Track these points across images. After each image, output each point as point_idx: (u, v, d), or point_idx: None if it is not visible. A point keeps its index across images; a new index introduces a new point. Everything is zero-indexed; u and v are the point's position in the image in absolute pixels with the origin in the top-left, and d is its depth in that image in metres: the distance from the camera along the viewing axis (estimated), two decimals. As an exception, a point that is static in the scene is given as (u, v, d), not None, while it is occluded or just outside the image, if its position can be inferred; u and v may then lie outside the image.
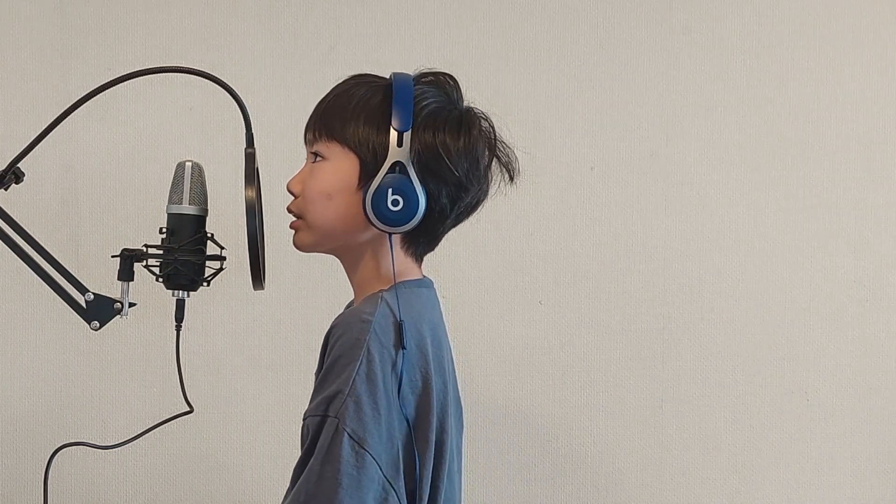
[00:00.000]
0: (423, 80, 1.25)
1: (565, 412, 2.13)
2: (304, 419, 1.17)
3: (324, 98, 1.26)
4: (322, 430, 1.12)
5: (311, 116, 1.26)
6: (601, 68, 2.13)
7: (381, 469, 1.12)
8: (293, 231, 1.28)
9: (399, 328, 1.15)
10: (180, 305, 1.33)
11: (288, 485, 1.18)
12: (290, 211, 1.27)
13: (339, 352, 1.13)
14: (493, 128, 1.28)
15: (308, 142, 1.26)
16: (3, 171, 1.30)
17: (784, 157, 2.14)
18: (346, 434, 1.10)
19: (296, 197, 1.26)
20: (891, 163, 2.15)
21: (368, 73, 1.28)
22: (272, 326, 2.10)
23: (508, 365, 2.12)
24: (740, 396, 2.14)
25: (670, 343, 2.14)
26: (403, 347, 1.14)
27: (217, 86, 1.26)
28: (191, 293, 1.32)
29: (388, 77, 1.25)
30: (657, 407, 2.14)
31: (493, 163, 1.28)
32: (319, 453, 1.11)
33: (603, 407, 2.14)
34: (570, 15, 2.12)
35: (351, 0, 2.11)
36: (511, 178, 1.29)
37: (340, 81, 1.27)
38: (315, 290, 2.08)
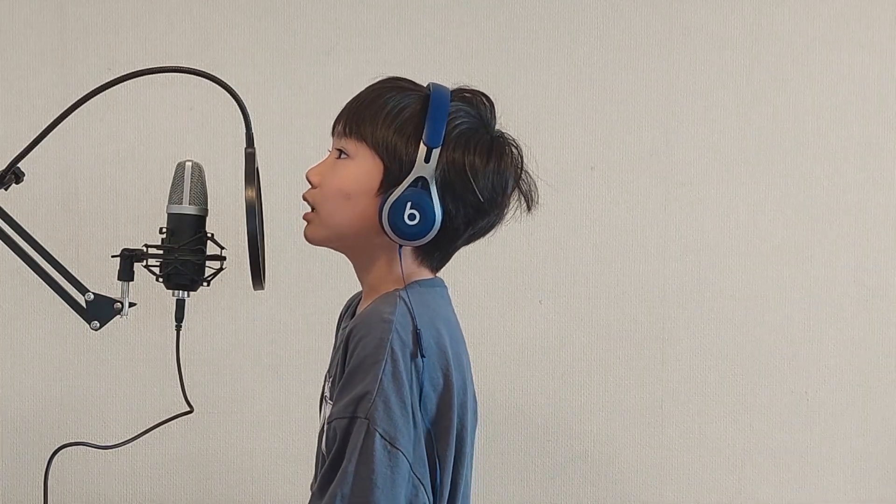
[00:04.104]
0: (459, 96, 1.24)
1: (565, 412, 2.13)
2: (328, 422, 1.16)
3: (359, 95, 1.24)
4: (352, 431, 1.11)
5: (343, 111, 1.25)
6: (601, 68, 2.13)
7: (411, 466, 1.13)
8: (305, 222, 1.27)
9: (417, 336, 1.15)
10: (180, 305, 1.33)
11: (314, 487, 1.17)
12: (305, 199, 1.26)
13: (363, 353, 1.13)
14: (521, 156, 1.26)
15: (336, 134, 1.25)
16: (3, 171, 1.30)
17: (784, 157, 2.14)
18: (377, 434, 1.10)
19: (313, 187, 1.25)
20: (891, 163, 2.15)
21: (405, 77, 1.26)
22: (272, 326, 2.10)
23: (508, 364, 2.12)
24: (740, 396, 2.14)
25: (670, 343, 2.14)
26: (422, 356, 1.15)
27: (217, 86, 1.25)
28: (191, 293, 1.32)
29: (425, 85, 1.24)
30: (657, 407, 2.14)
31: (514, 192, 1.26)
32: (352, 455, 1.11)
33: (603, 407, 2.14)
34: (570, 15, 2.12)
35: (351, 0, 2.11)
36: (529, 208, 1.29)
37: (377, 80, 1.26)
38: (315, 290, 2.08)
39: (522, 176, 1.27)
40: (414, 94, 1.22)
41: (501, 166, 1.22)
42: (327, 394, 1.25)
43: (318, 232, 1.25)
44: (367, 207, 1.20)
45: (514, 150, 1.26)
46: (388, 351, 1.12)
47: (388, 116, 1.19)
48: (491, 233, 1.28)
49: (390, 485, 1.10)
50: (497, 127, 1.26)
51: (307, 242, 1.27)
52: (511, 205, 1.27)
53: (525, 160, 1.27)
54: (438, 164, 1.17)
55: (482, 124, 1.23)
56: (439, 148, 1.17)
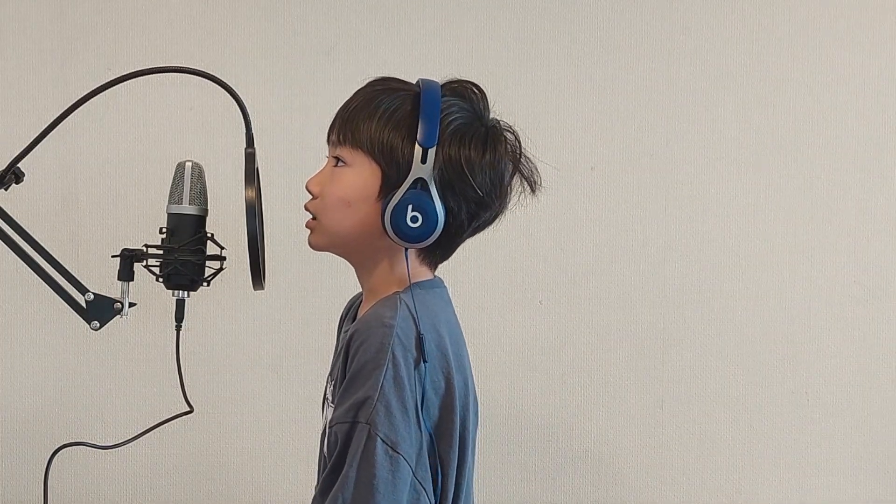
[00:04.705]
0: (450, 90, 1.23)
1: (565, 412, 2.13)
2: (330, 427, 1.16)
3: (349, 102, 1.24)
4: (353, 436, 1.11)
5: (335, 118, 1.24)
6: (601, 68, 2.13)
7: (412, 471, 1.13)
8: (308, 230, 1.27)
9: (420, 342, 1.15)
10: (180, 305, 1.33)
11: (315, 493, 1.17)
12: (307, 209, 1.26)
13: (364, 358, 1.13)
14: (518, 141, 1.26)
15: (332, 143, 1.25)
16: (3, 171, 1.30)
17: (784, 157, 2.14)
18: (378, 439, 1.10)
19: (314, 197, 1.25)
20: (891, 163, 2.15)
21: (394, 77, 1.26)
22: (272, 326, 2.10)
23: (508, 365, 2.12)
24: (740, 396, 2.14)
25: (670, 343, 2.14)
26: (425, 361, 1.15)
27: (217, 86, 1.25)
28: (191, 293, 1.32)
29: (414, 83, 1.24)
30: (657, 407, 2.14)
31: (515, 177, 1.26)
32: (353, 460, 1.11)
33: (603, 407, 2.14)
34: (570, 15, 2.12)
35: (351, 0, 2.11)
36: (532, 191, 1.28)
37: (366, 84, 1.25)
38: (315, 290, 2.08)
39: (522, 160, 1.26)
40: (404, 93, 1.22)
41: (497, 156, 1.21)
42: (329, 397, 1.25)
43: (322, 239, 1.25)
44: (369, 213, 1.20)
45: (509, 135, 1.25)
46: (390, 356, 1.12)
47: (381, 120, 1.19)
48: (495, 222, 1.28)
49: (392, 489, 1.10)
50: (491, 116, 1.25)
51: (310, 248, 1.27)
52: (513, 191, 1.26)
53: (523, 144, 1.26)
54: (436, 162, 1.16)
55: (476, 116, 1.23)
56: (435, 147, 1.16)
